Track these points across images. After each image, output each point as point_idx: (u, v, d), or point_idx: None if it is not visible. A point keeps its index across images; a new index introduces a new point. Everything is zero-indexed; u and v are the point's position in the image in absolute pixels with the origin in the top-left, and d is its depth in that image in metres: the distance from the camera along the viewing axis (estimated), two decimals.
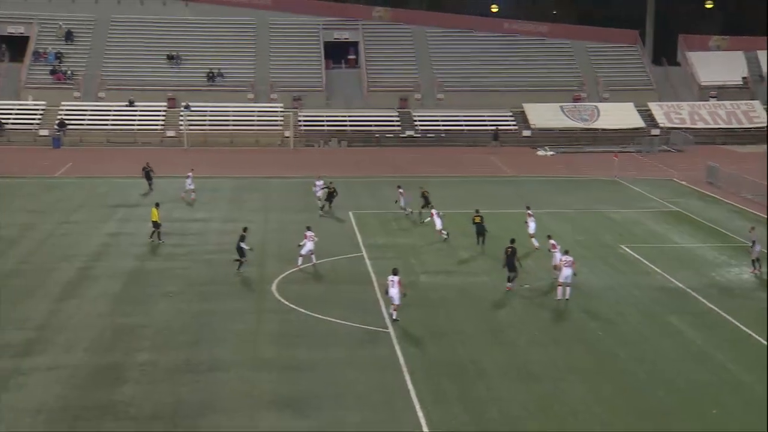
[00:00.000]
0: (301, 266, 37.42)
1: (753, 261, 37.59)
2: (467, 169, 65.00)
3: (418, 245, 41.85)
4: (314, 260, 37.67)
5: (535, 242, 40.23)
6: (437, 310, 32.23)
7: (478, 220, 40.87)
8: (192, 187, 51.35)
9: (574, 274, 33.26)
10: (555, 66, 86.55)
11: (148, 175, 54.33)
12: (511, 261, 34.39)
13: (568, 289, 33.30)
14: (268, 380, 25.82)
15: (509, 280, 34.50)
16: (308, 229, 38.36)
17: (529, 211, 42.07)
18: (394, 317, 30.83)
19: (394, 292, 30.76)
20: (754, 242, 37.65)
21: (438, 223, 42.65)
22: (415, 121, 79.05)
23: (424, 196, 46.49)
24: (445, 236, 42.33)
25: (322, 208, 48.16)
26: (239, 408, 24.05)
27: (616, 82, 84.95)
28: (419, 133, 77.66)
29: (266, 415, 23.71)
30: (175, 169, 62.10)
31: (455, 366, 27.01)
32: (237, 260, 36.84)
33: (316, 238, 37.66)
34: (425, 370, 26.67)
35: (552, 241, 36.16)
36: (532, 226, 41.08)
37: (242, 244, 36.85)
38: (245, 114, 78.36)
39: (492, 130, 76.61)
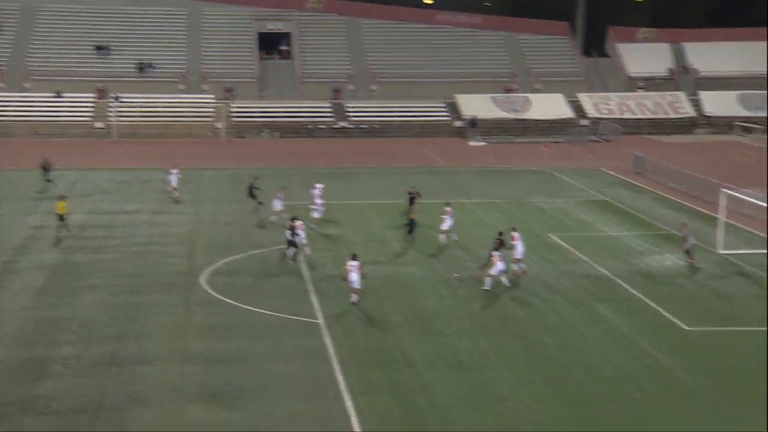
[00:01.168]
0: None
1: (686, 251, 37.90)
2: (400, 160, 65.15)
3: (349, 237, 41.80)
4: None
5: (454, 236, 39.94)
6: (367, 300, 32.18)
7: (414, 216, 40.57)
8: (175, 185, 48.98)
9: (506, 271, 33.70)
10: (487, 57, 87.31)
11: (46, 170, 51.40)
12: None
13: (504, 278, 33.61)
14: (196, 373, 25.54)
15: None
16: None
17: (447, 208, 40.70)
18: (354, 302, 31.18)
19: (355, 277, 31.04)
20: (686, 236, 37.82)
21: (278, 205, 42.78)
22: (348, 112, 78.97)
23: (411, 197, 43.20)
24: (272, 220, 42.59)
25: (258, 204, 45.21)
26: (166, 401, 23.75)
27: (548, 73, 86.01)
28: (352, 125, 77.63)
29: (194, 408, 23.45)
30: (105, 161, 61.37)
31: (384, 356, 27.05)
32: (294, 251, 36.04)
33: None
34: (354, 360, 26.67)
35: (514, 233, 36.05)
36: (447, 223, 40.08)
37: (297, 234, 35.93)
38: (176, 105, 77.57)
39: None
